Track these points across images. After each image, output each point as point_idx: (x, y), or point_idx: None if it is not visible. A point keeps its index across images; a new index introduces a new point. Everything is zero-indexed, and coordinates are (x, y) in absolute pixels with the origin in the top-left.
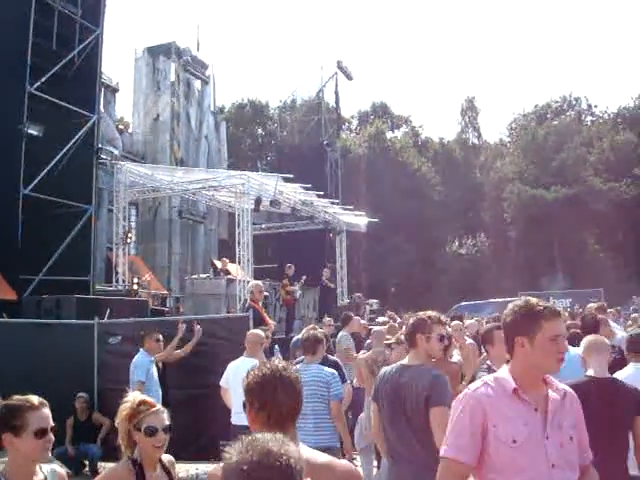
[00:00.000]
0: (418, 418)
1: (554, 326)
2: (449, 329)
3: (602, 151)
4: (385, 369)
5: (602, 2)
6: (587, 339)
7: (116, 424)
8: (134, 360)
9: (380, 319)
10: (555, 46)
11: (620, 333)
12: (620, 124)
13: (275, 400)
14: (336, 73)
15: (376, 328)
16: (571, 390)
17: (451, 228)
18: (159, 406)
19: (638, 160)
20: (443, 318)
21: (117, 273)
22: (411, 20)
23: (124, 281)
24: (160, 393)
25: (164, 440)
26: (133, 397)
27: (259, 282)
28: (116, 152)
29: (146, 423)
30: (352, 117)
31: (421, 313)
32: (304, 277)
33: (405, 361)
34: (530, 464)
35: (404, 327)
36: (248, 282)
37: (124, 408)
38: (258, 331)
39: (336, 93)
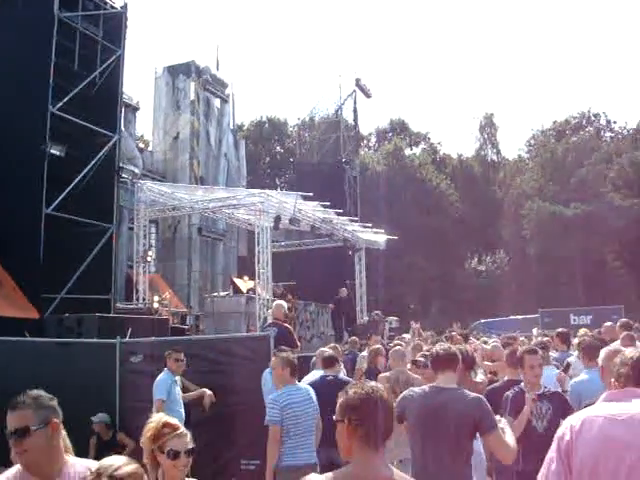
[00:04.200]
0: (454, 437)
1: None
2: (470, 348)
3: (622, 167)
4: (415, 390)
5: (620, 19)
6: None
7: (141, 444)
8: (157, 379)
9: (405, 336)
10: (574, 62)
11: None
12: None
13: (375, 418)
14: (354, 91)
15: (395, 348)
16: None
17: (470, 245)
18: (182, 429)
19: None
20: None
21: (137, 291)
22: (429, 37)
23: (144, 299)
24: (182, 413)
25: (186, 463)
26: (158, 418)
27: (281, 302)
28: (137, 171)
29: (169, 446)
30: (370, 134)
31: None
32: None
33: (441, 384)
34: None
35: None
36: (267, 300)
37: (148, 429)
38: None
39: (354, 111)
